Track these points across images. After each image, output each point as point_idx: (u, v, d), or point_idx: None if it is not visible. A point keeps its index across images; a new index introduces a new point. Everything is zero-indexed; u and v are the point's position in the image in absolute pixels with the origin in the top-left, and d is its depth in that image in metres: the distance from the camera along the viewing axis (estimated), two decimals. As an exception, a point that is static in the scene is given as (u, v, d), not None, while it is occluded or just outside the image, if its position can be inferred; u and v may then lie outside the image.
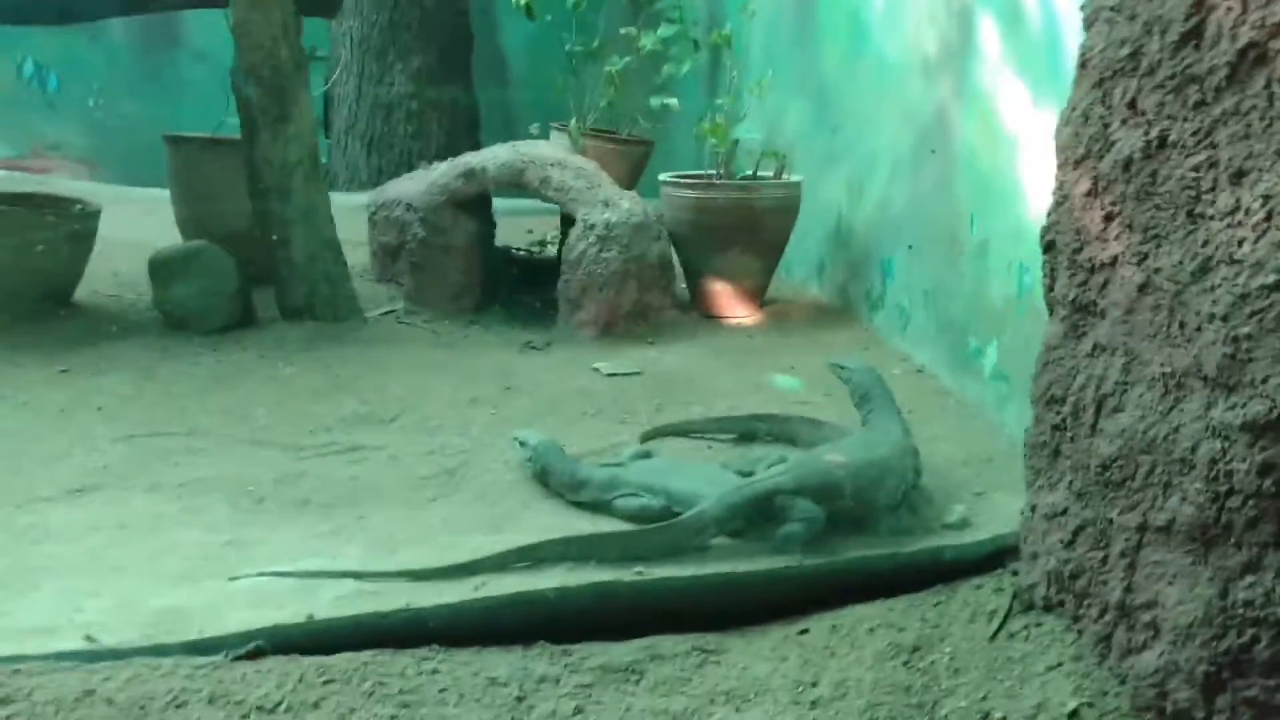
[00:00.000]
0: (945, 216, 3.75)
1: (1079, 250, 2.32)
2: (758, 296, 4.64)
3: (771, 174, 4.65)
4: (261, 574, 2.31)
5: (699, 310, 4.62)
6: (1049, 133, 3.08)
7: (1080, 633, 2.34)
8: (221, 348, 3.90)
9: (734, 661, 2.26)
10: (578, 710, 2.04)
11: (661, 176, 4.79)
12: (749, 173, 4.68)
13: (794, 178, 4.62)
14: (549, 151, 4.61)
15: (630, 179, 6.11)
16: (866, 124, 4.49)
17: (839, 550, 2.55)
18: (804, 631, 2.34)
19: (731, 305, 4.58)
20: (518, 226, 5.84)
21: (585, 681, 2.13)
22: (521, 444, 2.85)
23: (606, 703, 2.09)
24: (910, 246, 4.05)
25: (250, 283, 4.24)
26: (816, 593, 2.46)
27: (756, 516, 2.54)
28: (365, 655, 2.11)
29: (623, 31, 5.57)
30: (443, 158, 7.03)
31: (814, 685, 2.22)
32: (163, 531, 2.54)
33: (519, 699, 2.06)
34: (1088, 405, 2.30)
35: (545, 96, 6.57)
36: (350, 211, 6.30)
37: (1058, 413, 2.40)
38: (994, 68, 3.41)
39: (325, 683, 1.99)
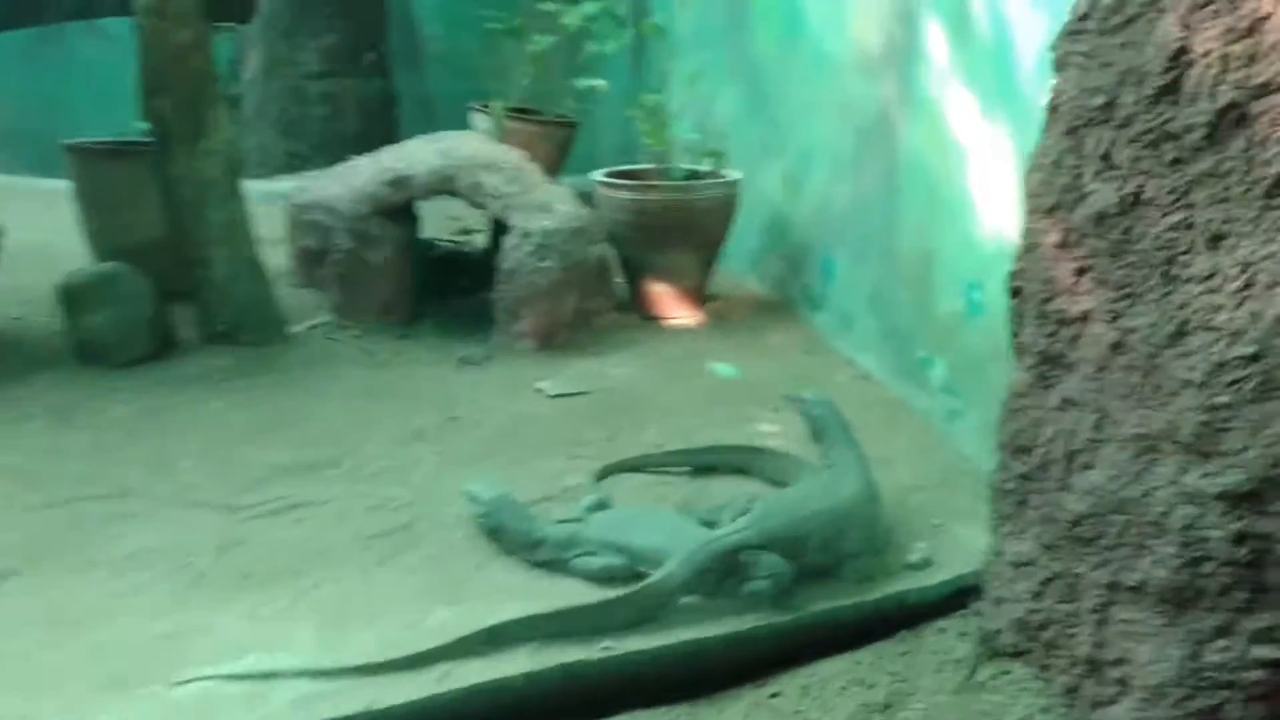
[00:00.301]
0: (890, 223, 3.68)
1: (1048, 301, 2.27)
2: (698, 295, 4.54)
3: (709, 169, 4.53)
4: (208, 678, 2.18)
5: (639, 311, 4.51)
6: (1000, 147, 3.04)
7: (1048, 682, 2.34)
8: (142, 382, 3.67)
9: (709, 736, 2.21)
10: (554, 810, 1.97)
11: (595, 175, 4.65)
12: (687, 169, 4.56)
13: (732, 174, 4.51)
14: (478, 150, 4.42)
15: (555, 161, 5.93)
16: (804, 117, 4.39)
17: (804, 600, 2.51)
18: (775, 695, 2.30)
19: (672, 306, 4.48)
20: (438, 212, 5.63)
21: (559, 775, 2.07)
22: (473, 499, 2.73)
23: (583, 797, 2.04)
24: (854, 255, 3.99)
25: (168, 298, 4.01)
26: (785, 650, 2.43)
27: (723, 574, 2.48)
28: (328, 765, 2.02)
29: (543, 7, 5.36)
30: (359, 142, 6.79)
31: (790, 757, 2.18)
32: (98, 623, 2.37)
33: (493, 803, 1.98)
34: (1057, 459, 2.27)
35: (463, 76, 6.35)
36: (265, 201, 6.04)
37: (1025, 462, 2.37)
38: (941, 74, 3.33)
39: (287, 808, 1.89)
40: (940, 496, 2.98)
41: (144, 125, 4.07)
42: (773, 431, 3.39)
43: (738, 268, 4.99)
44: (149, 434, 3.32)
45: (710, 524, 2.67)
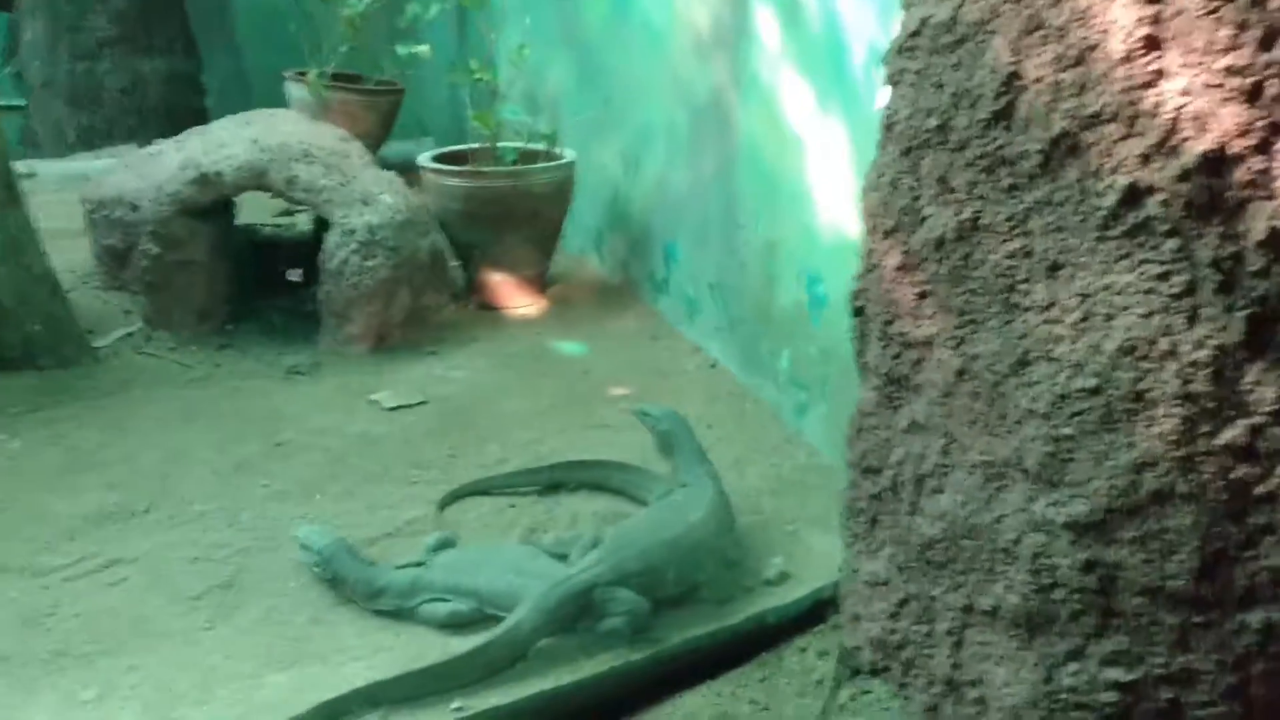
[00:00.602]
0: (728, 210, 3.60)
1: (890, 323, 2.22)
2: (538, 283, 4.38)
3: (542, 149, 4.34)
4: (15, 790, 1.97)
5: (477, 300, 4.32)
6: (836, 138, 2.98)
7: (908, 700, 2.34)
8: (-77, 418, 3.32)
9: (570, 790, 2.13)
10: None
11: (421, 159, 4.40)
12: (518, 148, 4.36)
13: (567, 154, 4.34)
14: (292, 134, 4.10)
15: (381, 130, 5.68)
16: (638, 95, 4.24)
17: (661, 630, 2.44)
18: (637, 737, 2.25)
19: (512, 295, 4.30)
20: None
21: None
22: (305, 547, 2.55)
23: None
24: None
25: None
26: (645, 688, 2.36)
27: (577, 614, 2.38)
28: None
29: (357, -32, 5.06)
30: (163, 114, 6.30)
31: (655, 805, 2.13)
32: (-119, 730, 2.13)
33: None
34: (906, 482, 2.24)
35: (276, 41, 5.96)
36: (61, 185, 5.56)
37: (875, 483, 2.33)
38: (774, 60, 3.24)
39: None
40: (792, 499, 2.95)
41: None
42: (623, 428, 3.31)
43: (578, 245, 4.85)
44: (-65, 486, 2.99)
45: (560, 556, 2.57)
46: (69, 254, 4.56)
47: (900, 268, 2.17)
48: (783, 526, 2.84)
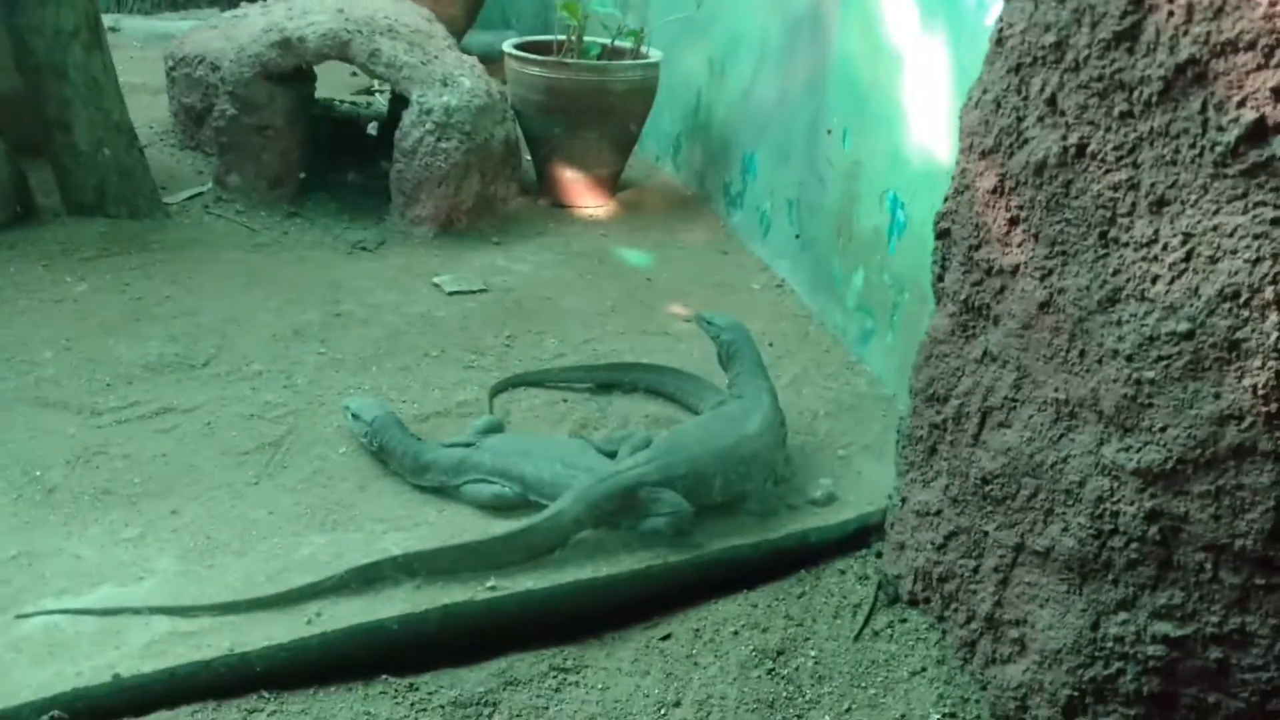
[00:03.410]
0: (814, 125, 3.49)
1: (976, 248, 2.14)
2: (611, 184, 4.31)
3: (628, 47, 4.23)
4: (55, 612, 2.00)
5: (547, 197, 4.27)
6: (937, 59, 2.86)
7: (944, 633, 2.31)
8: (-4, 255, 3.35)
9: (593, 681, 2.13)
10: (427, 761, 1.88)
11: (506, 45, 4.31)
12: (604, 44, 4.25)
13: (653, 55, 4.22)
14: (378, 9, 4.03)
15: (466, 18, 5.59)
16: (732, 0, 4.10)
17: (703, 536, 2.42)
18: (666, 637, 2.24)
19: (583, 194, 4.24)
20: (338, 67, 5.24)
21: (434, 723, 1.96)
22: (355, 416, 2.55)
23: (458, 747, 1.94)
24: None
25: (24, 157, 3.62)
26: (681, 589, 2.35)
27: (620, 510, 2.36)
28: (185, 712, 1.88)
29: None
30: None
31: (676, 705, 2.12)
32: (-69, 543, 2.17)
33: (362, 755, 1.88)
34: (972, 413, 2.19)
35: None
36: (147, 43, 5.58)
37: (938, 412, 2.28)
38: (878, -28, 3.10)
39: (139, 758, 1.76)
40: (847, 424, 2.90)
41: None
42: (682, 336, 3.27)
43: (654, 151, 4.76)
44: (2, 318, 3.02)
45: (609, 453, 2.55)
46: (148, 111, 4.58)
47: (994, 191, 2.08)
48: (835, 450, 2.79)
